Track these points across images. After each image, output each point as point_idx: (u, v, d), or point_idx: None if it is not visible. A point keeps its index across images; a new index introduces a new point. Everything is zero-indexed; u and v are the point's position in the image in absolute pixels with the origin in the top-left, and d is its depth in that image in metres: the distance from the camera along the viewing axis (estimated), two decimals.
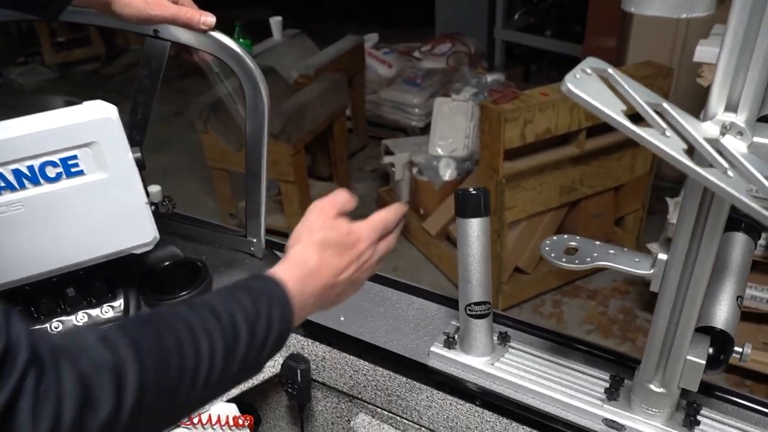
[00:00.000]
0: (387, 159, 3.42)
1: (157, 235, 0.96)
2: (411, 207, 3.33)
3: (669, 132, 0.58)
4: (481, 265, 0.92)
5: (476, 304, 0.94)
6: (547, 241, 0.82)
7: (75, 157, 0.83)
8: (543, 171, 2.57)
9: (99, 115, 0.83)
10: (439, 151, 3.23)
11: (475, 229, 0.91)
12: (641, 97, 0.60)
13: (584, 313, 2.89)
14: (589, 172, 2.71)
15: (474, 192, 0.91)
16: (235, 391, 1.07)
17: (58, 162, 0.83)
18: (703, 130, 0.62)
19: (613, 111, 0.56)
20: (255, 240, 1.09)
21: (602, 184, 2.80)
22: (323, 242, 0.70)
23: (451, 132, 3.25)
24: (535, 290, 2.89)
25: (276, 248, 1.22)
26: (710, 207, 0.66)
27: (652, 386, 0.81)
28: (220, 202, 3.41)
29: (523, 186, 2.56)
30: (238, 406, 1.21)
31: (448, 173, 3.12)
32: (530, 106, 2.37)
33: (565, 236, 0.82)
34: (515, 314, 2.85)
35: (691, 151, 0.59)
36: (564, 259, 0.77)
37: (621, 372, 0.90)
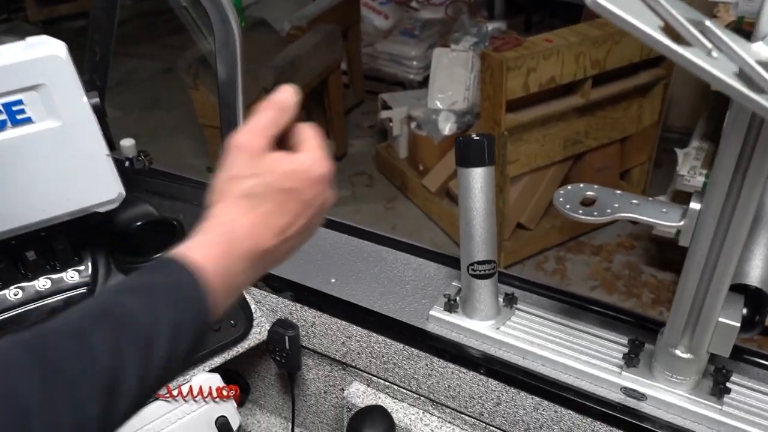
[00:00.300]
0: (384, 114, 3.31)
1: (123, 192, 0.86)
2: (410, 163, 3.24)
3: (716, 53, 0.48)
4: (485, 220, 0.83)
5: (480, 263, 0.84)
6: (561, 192, 0.72)
7: (20, 102, 0.73)
8: (546, 123, 2.47)
9: (45, 53, 0.72)
10: (438, 104, 3.11)
11: (478, 179, 0.81)
12: (681, 12, 0.49)
13: (588, 269, 2.84)
14: (595, 124, 2.62)
15: (477, 138, 0.80)
16: (218, 360, 0.99)
17: (1, 108, 0.72)
18: (755, 52, 0.52)
19: (648, 27, 0.45)
20: None
21: (608, 136, 2.71)
22: (254, 194, 0.51)
23: (450, 84, 3.14)
24: (537, 246, 2.83)
25: None
26: (756, 142, 0.55)
27: (677, 352, 0.72)
28: (213, 162, 3.31)
29: (526, 139, 2.46)
30: (224, 374, 1.13)
31: (447, 127, 3.01)
32: (534, 53, 2.25)
33: (581, 185, 0.72)
34: (517, 271, 2.79)
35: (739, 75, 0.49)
36: (581, 211, 0.68)
37: (641, 336, 0.81)
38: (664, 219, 0.65)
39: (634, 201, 0.69)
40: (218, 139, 3.19)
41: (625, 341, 0.81)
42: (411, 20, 4.06)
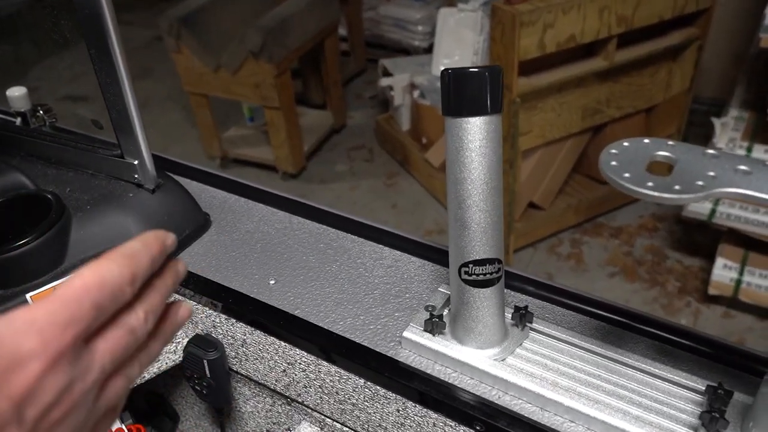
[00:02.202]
0: (385, 81, 3.05)
1: None
2: (412, 136, 2.98)
3: None
4: (487, 199, 0.54)
5: (478, 263, 0.55)
6: (613, 150, 0.42)
7: None
8: (564, 89, 2.20)
9: None
10: (443, 69, 2.82)
11: (475, 135, 0.52)
12: None
13: (607, 254, 2.60)
14: (618, 91, 2.35)
15: (475, 71, 0.51)
16: (138, 380, 0.71)
17: None
18: None
19: None
20: (136, 163, 0.70)
21: (632, 105, 2.45)
22: None
23: (457, 48, 2.86)
24: (551, 228, 2.59)
25: (184, 174, 0.84)
26: None
27: None
28: (203, 132, 3.08)
29: (541, 107, 2.19)
30: (146, 398, 0.85)
31: None
32: (551, 6, 1.96)
33: (647, 140, 0.43)
34: (528, 256, 2.53)
35: None
36: (650, 184, 0.39)
37: (727, 379, 0.52)
38: None
39: (742, 167, 0.39)
40: (205, 107, 2.95)
41: (701, 387, 0.53)
42: None
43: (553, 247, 2.61)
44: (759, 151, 2.07)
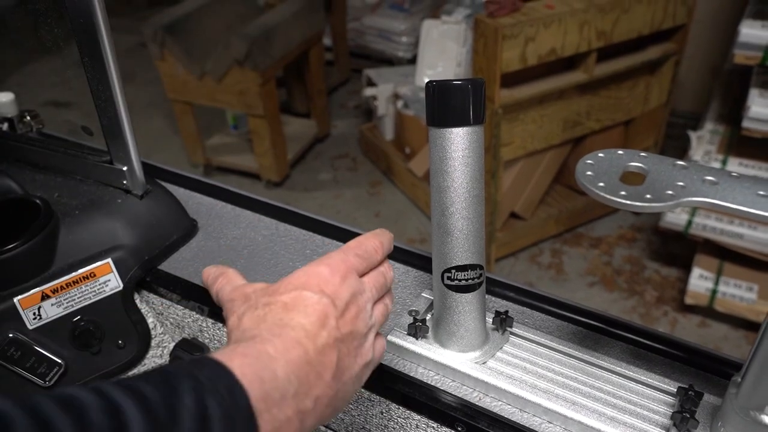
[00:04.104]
0: (369, 91, 3.07)
1: None
2: (395, 145, 3.01)
3: None
4: (469, 207, 0.56)
5: (460, 268, 0.57)
6: (589, 161, 0.45)
7: None
8: (545, 101, 2.23)
9: None
10: (427, 81, 2.85)
11: (458, 145, 0.54)
12: None
13: (586, 264, 2.64)
14: (597, 104, 2.39)
15: (458, 83, 0.53)
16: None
17: None
18: None
19: None
20: (125, 169, 0.71)
21: (611, 118, 2.50)
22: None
23: (440, 59, 2.89)
24: (532, 238, 2.62)
25: (171, 180, 0.85)
26: None
27: (765, 418, 0.46)
28: (187, 140, 3.08)
29: (522, 119, 2.22)
30: None
31: None
32: (533, 20, 1.99)
33: (621, 152, 0.45)
34: (510, 265, 2.56)
35: None
36: (623, 193, 0.41)
37: (698, 381, 0.54)
38: (767, 208, 0.39)
39: (709, 177, 0.42)
40: (188, 114, 2.94)
41: (672, 389, 0.55)
42: None
43: (534, 256, 2.64)
44: (733, 164, 2.12)
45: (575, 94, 2.31)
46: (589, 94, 2.35)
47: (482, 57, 2.07)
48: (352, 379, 0.47)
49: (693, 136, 2.23)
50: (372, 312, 0.50)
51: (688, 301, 2.25)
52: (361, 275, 0.51)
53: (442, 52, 2.89)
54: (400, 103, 2.92)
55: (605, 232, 2.77)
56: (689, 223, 2.18)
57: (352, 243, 0.52)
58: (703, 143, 2.23)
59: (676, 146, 2.97)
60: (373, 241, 0.53)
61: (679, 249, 2.59)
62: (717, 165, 2.14)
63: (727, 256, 2.21)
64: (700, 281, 2.21)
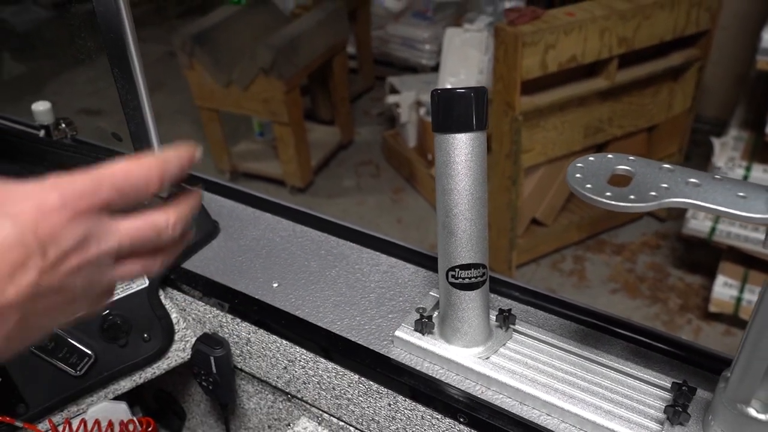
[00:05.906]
0: (392, 98, 3.11)
1: None
2: (418, 152, 3.04)
3: None
4: (472, 208, 0.58)
5: (463, 267, 0.60)
6: (579, 164, 0.47)
7: None
8: (566, 108, 2.24)
9: None
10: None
11: (462, 150, 0.57)
12: None
13: (609, 271, 2.63)
14: (620, 110, 2.39)
15: (461, 92, 0.57)
16: (127, 384, 0.76)
17: None
18: None
19: None
20: None
21: (634, 124, 2.49)
22: None
23: (462, 67, 2.91)
24: (554, 244, 2.62)
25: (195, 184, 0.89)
26: None
27: (751, 411, 0.48)
28: (213, 146, 3.15)
29: (543, 125, 2.23)
30: (155, 396, 0.90)
31: None
32: (553, 27, 2.01)
33: (610, 155, 0.48)
34: (531, 272, 2.56)
35: None
36: (608, 194, 0.44)
37: (691, 377, 0.56)
38: (744, 209, 0.41)
39: (693, 179, 0.44)
40: (215, 122, 3.01)
41: (667, 384, 0.57)
42: (424, 1, 3.83)
43: (556, 263, 2.64)
44: (758, 170, 2.10)
45: (597, 101, 2.31)
46: (611, 101, 2.35)
47: (503, 64, 2.09)
48: (40, 329, 0.36)
49: (716, 142, 2.22)
50: (112, 272, 0.38)
51: (713, 309, 2.23)
52: (119, 216, 0.37)
53: (465, 60, 2.91)
54: (422, 111, 2.95)
55: (628, 239, 2.76)
56: (713, 230, 2.16)
57: (117, 168, 0.37)
58: (727, 150, 2.21)
59: (701, 153, 2.95)
60: (150, 173, 0.38)
61: (703, 256, 2.56)
62: (741, 171, 2.12)
63: (753, 263, 2.19)
64: (724, 289, 2.19)
